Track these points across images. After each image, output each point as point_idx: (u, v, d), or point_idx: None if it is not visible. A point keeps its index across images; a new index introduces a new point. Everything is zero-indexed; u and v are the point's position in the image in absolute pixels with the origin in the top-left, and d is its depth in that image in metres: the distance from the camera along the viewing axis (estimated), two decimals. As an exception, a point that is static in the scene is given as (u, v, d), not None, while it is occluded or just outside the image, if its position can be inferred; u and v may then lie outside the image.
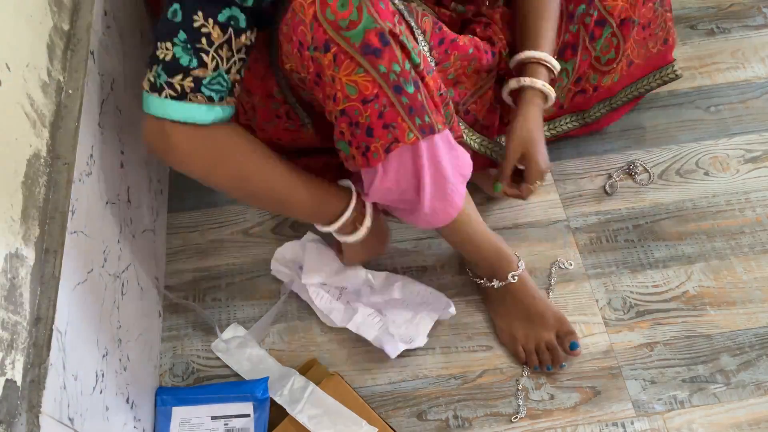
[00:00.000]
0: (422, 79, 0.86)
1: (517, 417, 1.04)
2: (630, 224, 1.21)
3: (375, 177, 0.91)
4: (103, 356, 0.86)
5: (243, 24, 0.82)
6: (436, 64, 0.99)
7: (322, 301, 1.11)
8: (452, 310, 1.09)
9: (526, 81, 1.06)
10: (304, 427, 0.99)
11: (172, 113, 0.84)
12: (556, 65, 1.08)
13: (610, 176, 1.27)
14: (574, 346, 1.05)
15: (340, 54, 0.81)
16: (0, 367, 0.65)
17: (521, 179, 1.09)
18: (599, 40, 1.15)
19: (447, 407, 1.05)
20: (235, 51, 0.83)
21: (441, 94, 0.93)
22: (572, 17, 1.12)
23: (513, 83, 1.07)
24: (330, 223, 0.98)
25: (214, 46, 0.82)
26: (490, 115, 1.14)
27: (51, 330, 0.72)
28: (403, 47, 0.83)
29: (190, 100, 0.83)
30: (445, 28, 1.01)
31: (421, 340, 1.07)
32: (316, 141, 1.06)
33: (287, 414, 1.01)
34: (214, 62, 0.82)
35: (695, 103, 1.35)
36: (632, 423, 1.03)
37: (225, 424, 1.02)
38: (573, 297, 1.14)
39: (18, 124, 0.74)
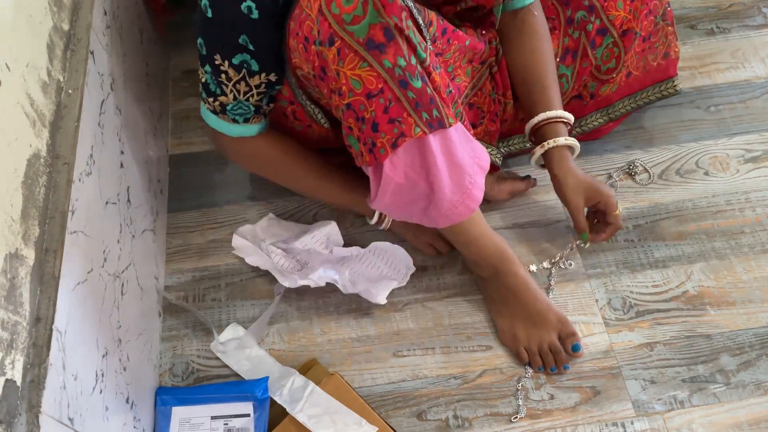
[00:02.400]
0: (428, 74, 0.86)
1: (517, 417, 1.04)
2: (630, 224, 1.21)
3: (383, 174, 0.89)
4: (103, 356, 0.86)
5: (256, 68, 0.91)
6: (438, 54, 0.99)
7: (282, 263, 1.13)
8: (411, 269, 1.13)
9: (551, 143, 1.08)
10: (304, 426, 0.99)
11: (211, 122, 0.99)
12: (571, 118, 1.09)
13: (610, 176, 1.27)
14: (576, 348, 1.05)
15: (344, 48, 0.81)
16: (0, 367, 0.65)
17: (593, 222, 1.14)
18: (599, 48, 1.15)
19: (447, 407, 1.05)
20: (253, 87, 0.93)
21: (450, 92, 0.92)
22: (571, 22, 1.13)
23: (540, 150, 1.09)
24: (370, 216, 1.10)
25: (232, 82, 0.92)
26: (494, 106, 1.14)
27: (51, 330, 0.72)
28: (409, 42, 0.83)
29: (221, 117, 0.97)
30: (445, 20, 1.01)
31: (380, 299, 1.08)
32: (325, 140, 1.06)
33: (287, 414, 1.01)
34: (232, 94, 0.93)
35: (695, 103, 1.35)
36: (632, 423, 1.03)
37: (225, 424, 1.02)
38: (573, 297, 1.14)
39: (18, 124, 0.74)
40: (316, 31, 0.82)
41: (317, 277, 1.09)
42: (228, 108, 0.95)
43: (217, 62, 0.90)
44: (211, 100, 0.95)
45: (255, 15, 0.86)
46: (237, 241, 1.17)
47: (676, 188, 1.25)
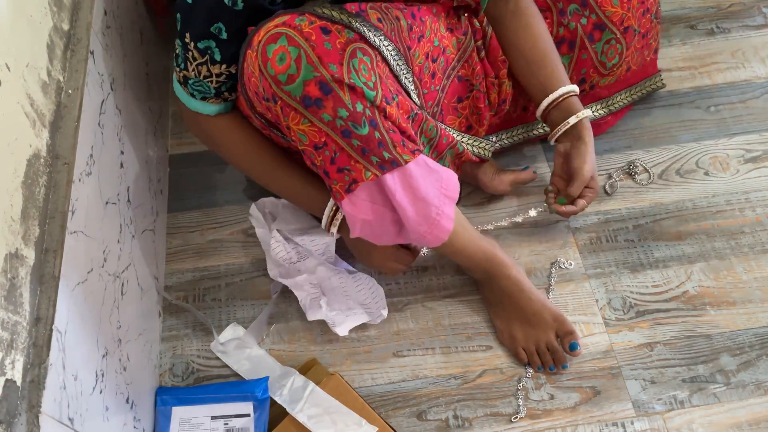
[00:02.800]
0: (383, 111, 0.86)
1: (517, 417, 1.04)
2: (630, 224, 1.21)
3: (346, 213, 0.93)
4: (103, 356, 0.86)
5: (218, 57, 0.91)
6: (421, 37, 0.99)
7: (278, 252, 1.12)
8: (384, 314, 1.10)
9: (581, 115, 1.08)
10: (304, 426, 0.99)
11: (176, 92, 1.00)
12: (577, 89, 1.10)
13: (610, 176, 1.27)
14: (574, 347, 1.05)
15: (285, 107, 0.85)
16: (0, 367, 0.65)
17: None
18: (599, 43, 1.16)
19: (447, 407, 1.05)
20: (213, 74, 0.94)
21: (416, 114, 0.93)
22: (564, 13, 1.13)
23: (574, 119, 1.08)
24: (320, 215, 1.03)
25: (196, 62, 0.93)
26: (486, 82, 1.13)
27: (51, 330, 0.72)
28: (353, 89, 0.83)
29: (182, 88, 0.98)
30: (409, 2, 1.01)
31: (341, 330, 1.08)
32: None
33: (287, 413, 1.01)
34: (194, 72, 0.94)
35: (695, 103, 1.35)
36: (632, 423, 1.03)
37: (225, 424, 1.02)
38: (573, 297, 1.14)
39: (18, 124, 0.74)
40: (261, 88, 0.86)
41: (296, 284, 1.10)
42: (189, 83, 0.96)
43: (186, 40, 0.91)
44: (178, 70, 0.96)
45: (239, 6, 0.86)
46: (254, 210, 1.17)
47: (676, 188, 1.25)
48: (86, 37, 0.92)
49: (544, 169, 1.27)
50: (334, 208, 1.00)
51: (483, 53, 1.11)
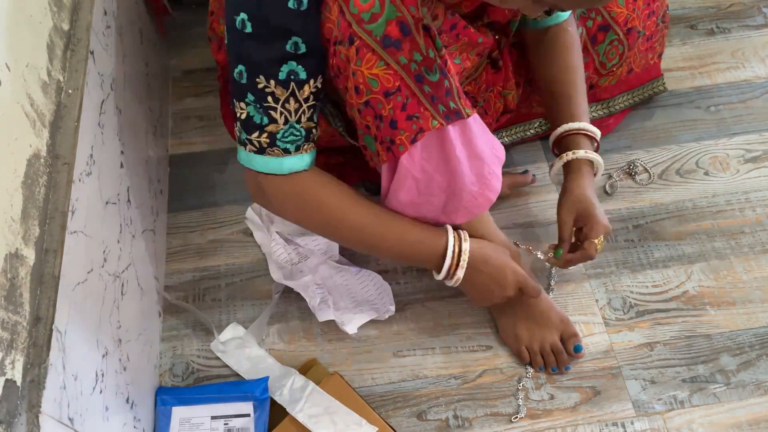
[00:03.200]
0: (446, 63, 0.85)
1: (517, 417, 1.04)
2: (630, 224, 1.21)
3: (399, 168, 0.88)
4: (103, 356, 0.86)
5: (303, 75, 0.83)
6: (444, 46, 0.99)
7: (280, 254, 1.12)
8: (392, 309, 1.10)
9: (569, 155, 1.06)
10: (304, 426, 0.99)
11: (256, 165, 0.89)
12: (597, 133, 1.08)
13: (610, 176, 1.27)
14: (578, 349, 1.05)
15: (363, 48, 0.80)
16: (0, 367, 0.65)
17: (578, 244, 1.07)
18: (602, 44, 1.16)
19: (447, 407, 1.05)
20: (302, 101, 0.85)
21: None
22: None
23: (559, 162, 1.07)
24: (437, 267, 0.97)
25: (281, 102, 0.84)
26: (487, 96, 1.14)
27: (51, 330, 0.72)
28: (428, 31, 0.82)
29: (268, 153, 0.87)
30: (457, 15, 1.00)
31: (350, 329, 1.08)
32: (331, 140, 1.06)
33: (287, 413, 1.01)
34: (283, 117, 0.85)
35: (695, 103, 1.35)
36: (632, 423, 1.03)
37: (225, 424, 1.02)
38: (573, 297, 1.14)
39: (18, 124, 0.74)
40: (337, 32, 0.81)
41: (298, 286, 1.10)
42: (278, 136, 0.86)
43: (260, 86, 0.83)
44: (255, 135, 0.86)
45: (305, 5, 0.79)
46: (251, 213, 1.18)
47: (676, 188, 1.25)
48: (86, 37, 0.92)
49: (544, 170, 1.27)
50: (457, 248, 0.95)
51: (500, 61, 1.12)
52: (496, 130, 1.23)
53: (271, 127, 0.85)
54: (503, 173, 1.19)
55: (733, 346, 1.09)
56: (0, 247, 0.67)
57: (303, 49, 0.81)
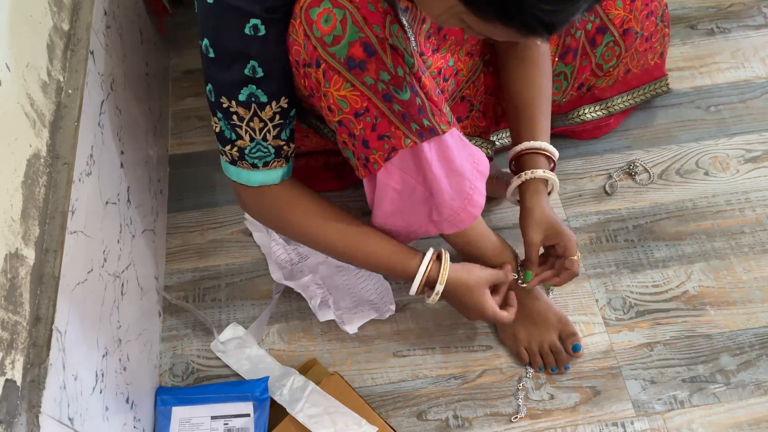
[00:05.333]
0: (419, 79, 0.85)
1: (517, 417, 1.04)
2: (630, 224, 1.21)
3: (378, 181, 0.90)
4: (103, 356, 0.86)
5: (264, 98, 0.85)
6: (435, 51, 0.99)
7: (280, 254, 1.12)
8: (392, 308, 1.11)
9: (528, 175, 1.03)
10: (304, 426, 0.99)
11: (231, 174, 0.93)
12: (555, 153, 1.06)
13: (610, 176, 1.27)
14: (576, 348, 1.05)
15: (329, 70, 0.82)
16: (0, 367, 0.65)
17: (546, 265, 1.06)
18: (600, 47, 1.16)
19: (447, 407, 1.05)
20: (266, 120, 0.87)
21: (439, 93, 0.92)
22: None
23: (516, 181, 1.05)
24: (410, 277, 0.97)
25: (245, 121, 0.86)
26: (486, 99, 1.14)
27: (51, 330, 0.72)
28: (395, 50, 0.82)
29: (239, 165, 0.91)
30: None
31: (350, 329, 1.09)
32: (323, 146, 1.06)
33: (287, 413, 1.01)
34: (248, 135, 0.87)
35: (695, 103, 1.35)
36: (632, 423, 1.03)
37: (225, 424, 1.02)
38: (573, 297, 1.14)
39: (18, 124, 0.74)
40: (304, 54, 0.82)
41: (298, 286, 1.10)
42: (246, 152, 0.89)
43: (224, 105, 0.86)
44: (227, 148, 0.89)
45: (262, 32, 0.81)
46: (251, 219, 1.18)
47: (676, 188, 1.25)
48: (86, 37, 0.92)
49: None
50: (432, 261, 0.96)
51: (491, 66, 1.12)
52: (495, 132, 1.23)
53: (239, 143, 0.88)
54: (502, 177, 1.19)
55: (733, 346, 1.09)
56: (0, 247, 0.67)
57: (260, 73, 0.83)
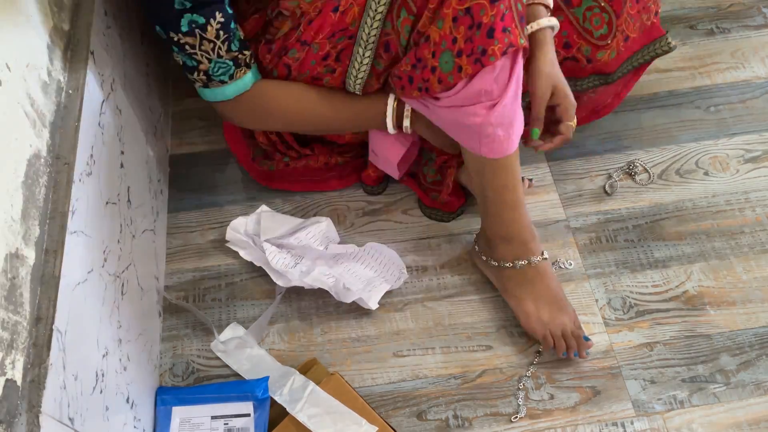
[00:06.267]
0: None
1: (517, 417, 1.04)
2: (630, 224, 1.21)
3: (477, 79, 0.91)
4: (103, 356, 0.86)
5: (202, 20, 0.94)
6: None
7: (277, 261, 1.12)
8: (404, 274, 1.14)
9: (533, 27, 1.01)
10: (305, 426, 0.99)
11: (208, 97, 1.04)
12: (550, 2, 1.04)
13: (610, 176, 1.27)
14: (587, 338, 1.06)
15: None
16: (0, 367, 0.65)
17: (551, 126, 1.06)
18: (578, 8, 1.10)
19: (447, 407, 1.05)
20: (214, 39, 0.96)
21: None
22: None
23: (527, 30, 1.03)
24: (384, 122, 1.07)
25: (197, 48, 0.97)
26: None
27: (51, 330, 0.72)
28: None
29: (211, 86, 1.02)
30: None
31: (373, 304, 1.10)
32: (339, 84, 1.07)
33: (287, 413, 1.01)
34: (204, 57, 0.98)
35: (695, 103, 1.36)
36: (632, 423, 1.03)
37: (225, 424, 1.02)
38: (573, 297, 1.14)
39: (18, 124, 0.74)
40: None
41: (312, 280, 1.10)
42: (210, 73, 0.99)
43: (174, 39, 0.95)
44: (195, 75, 1.00)
45: None
46: (231, 234, 1.17)
47: (676, 188, 1.25)
48: (86, 37, 0.92)
49: (544, 169, 1.27)
50: (395, 102, 1.05)
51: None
52: None
53: (201, 67, 0.99)
54: None
55: (733, 346, 1.09)
56: (0, 247, 0.67)
57: (188, 3, 0.92)
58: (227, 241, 1.18)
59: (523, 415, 1.04)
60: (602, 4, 1.10)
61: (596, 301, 1.14)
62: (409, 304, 1.14)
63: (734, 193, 1.24)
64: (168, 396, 1.04)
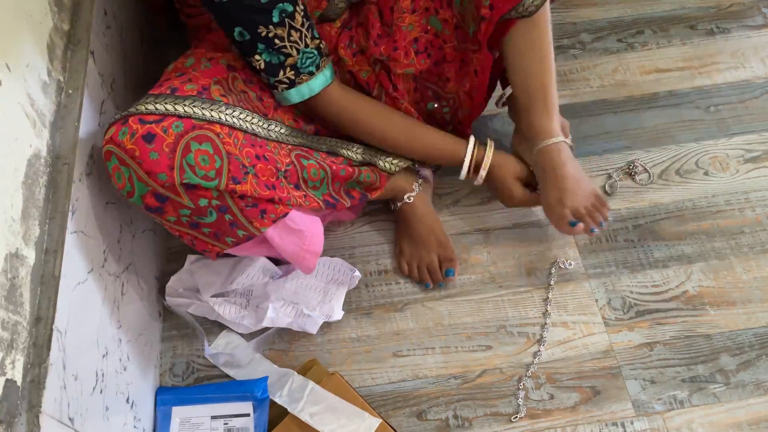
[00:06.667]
0: (233, 192, 0.86)
1: (517, 417, 1.04)
2: (630, 224, 1.21)
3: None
4: (103, 356, 0.86)
5: (291, 8, 0.91)
6: (394, 49, 1.05)
7: (229, 312, 1.09)
8: (357, 274, 1.13)
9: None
10: (306, 424, 0.99)
11: (293, 99, 0.98)
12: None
13: (609, 176, 1.27)
14: (448, 273, 1.13)
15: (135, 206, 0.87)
16: (0, 367, 0.65)
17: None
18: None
19: (447, 407, 1.05)
20: (299, 27, 0.93)
21: (288, 169, 0.94)
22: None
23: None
24: (459, 162, 1.09)
25: (285, 39, 0.92)
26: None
27: (51, 330, 0.72)
28: (190, 187, 0.83)
29: (298, 83, 0.97)
30: (388, 16, 1.04)
31: (337, 314, 1.09)
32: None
33: (287, 413, 1.01)
34: (294, 49, 0.93)
35: (695, 103, 1.36)
36: (632, 423, 1.03)
37: (225, 424, 1.02)
38: (573, 297, 1.14)
39: (18, 124, 0.74)
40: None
41: (270, 323, 1.07)
42: (299, 66, 0.95)
43: (263, 33, 0.91)
44: (281, 74, 0.95)
45: None
46: (171, 300, 1.11)
47: (676, 188, 1.25)
48: (86, 37, 0.92)
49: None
50: (475, 148, 1.09)
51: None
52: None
53: (289, 61, 0.94)
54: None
55: (733, 346, 1.09)
56: (0, 247, 0.67)
57: None
58: (169, 306, 1.11)
59: (523, 415, 1.04)
60: None
61: (596, 301, 1.14)
62: (409, 304, 1.14)
63: (734, 193, 1.24)
64: (168, 396, 1.04)
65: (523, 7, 0.99)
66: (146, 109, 0.83)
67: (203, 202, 0.85)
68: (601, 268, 1.17)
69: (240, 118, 0.89)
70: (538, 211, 1.23)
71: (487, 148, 1.10)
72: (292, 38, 0.92)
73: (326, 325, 1.12)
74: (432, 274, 1.15)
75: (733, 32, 1.45)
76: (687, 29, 1.46)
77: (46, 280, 0.74)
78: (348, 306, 1.13)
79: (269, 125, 0.96)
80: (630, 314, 1.13)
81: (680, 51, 1.42)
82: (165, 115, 0.82)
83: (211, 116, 0.85)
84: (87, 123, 0.87)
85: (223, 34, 0.93)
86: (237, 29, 0.90)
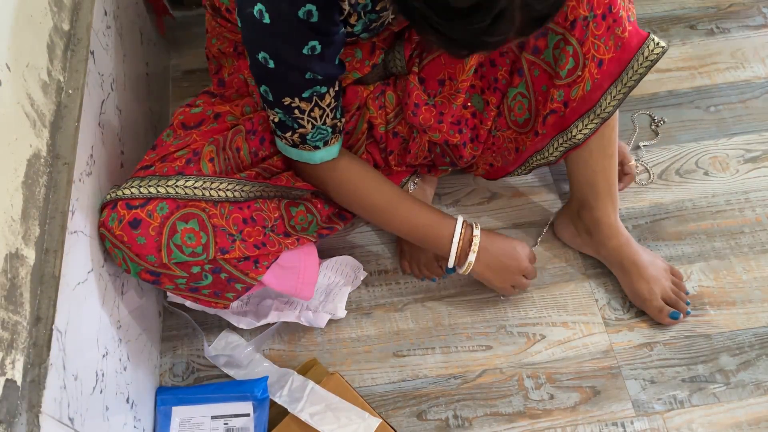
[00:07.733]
0: (225, 252, 0.90)
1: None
2: (630, 224, 1.21)
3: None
4: (103, 356, 0.86)
5: (324, 90, 0.89)
6: (438, 122, 1.05)
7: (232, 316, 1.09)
8: (362, 273, 1.15)
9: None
10: (306, 423, 0.99)
11: (291, 155, 0.96)
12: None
13: (610, 176, 1.27)
14: (448, 272, 1.07)
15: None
16: (0, 367, 0.65)
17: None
18: (547, 50, 0.98)
19: (447, 407, 1.05)
20: (325, 107, 0.91)
21: (275, 224, 0.96)
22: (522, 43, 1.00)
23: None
24: (446, 247, 1.02)
25: (306, 113, 0.90)
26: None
27: (51, 330, 0.72)
28: (179, 263, 0.88)
29: (301, 148, 0.95)
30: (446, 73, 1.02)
31: (340, 313, 1.10)
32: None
33: (287, 413, 1.01)
34: (310, 124, 0.91)
35: (695, 103, 1.36)
36: (632, 423, 1.03)
37: (225, 424, 1.02)
38: (573, 297, 1.14)
39: (18, 124, 0.74)
40: None
41: (275, 317, 1.08)
42: (308, 137, 0.93)
43: (286, 102, 0.88)
44: (288, 135, 0.93)
45: (318, 51, 0.83)
46: (173, 297, 1.09)
47: (676, 188, 1.25)
48: (86, 37, 0.92)
49: (541, 173, 1.27)
50: (463, 231, 1.01)
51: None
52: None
53: (300, 131, 0.92)
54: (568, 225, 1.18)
55: (733, 346, 1.09)
56: (0, 247, 0.67)
57: (320, 76, 0.86)
58: (169, 306, 1.12)
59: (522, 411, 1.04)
60: (565, 36, 0.95)
61: (596, 301, 1.14)
62: (409, 304, 1.15)
63: (734, 193, 1.24)
64: (168, 396, 1.04)
65: (600, 109, 1.02)
66: (131, 193, 0.87)
67: (196, 269, 0.90)
68: (601, 268, 1.17)
69: (221, 189, 0.92)
70: (538, 211, 1.23)
71: (474, 228, 1.02)
72: (312, 114, 0.90)
73: (326, 325, 1.12)
74: (432, 272, 1.16)
75: (733, 32, 1.45)
76: (687, 29, 1.46)
77: (46, 280, 0.74)
78: (348, 306, 1.13)
79: (251, 186, 0.95)
80: (630, 314, 1.13)
81: (680, 51, 1.42)
82: (149, 199, 0.86)
83: (194, 194, 0.89)
84: (87, 123, 0.87)
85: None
86: (264, 87, 0.88)
